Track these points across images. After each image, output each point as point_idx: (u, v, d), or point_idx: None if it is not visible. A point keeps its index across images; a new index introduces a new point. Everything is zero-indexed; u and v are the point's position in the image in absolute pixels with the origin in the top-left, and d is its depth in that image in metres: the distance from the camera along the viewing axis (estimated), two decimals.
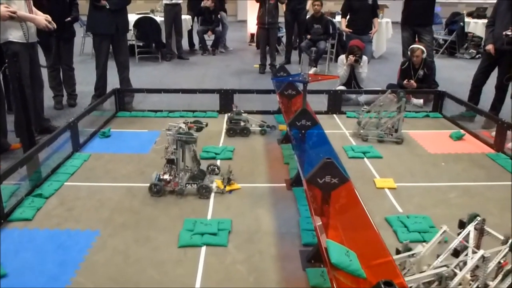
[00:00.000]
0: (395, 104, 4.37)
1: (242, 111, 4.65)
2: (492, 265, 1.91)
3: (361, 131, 4.50)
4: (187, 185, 3.27)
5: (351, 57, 5.87)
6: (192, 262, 2.52)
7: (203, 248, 2.64)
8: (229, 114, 4.66)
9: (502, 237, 1.98)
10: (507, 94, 5.05)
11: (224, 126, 4.77)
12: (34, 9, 4.16)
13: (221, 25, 10.04)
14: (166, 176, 3.25)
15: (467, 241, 2.02)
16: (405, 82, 5.82)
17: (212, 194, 3.27)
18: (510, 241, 1.93)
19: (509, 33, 4.55)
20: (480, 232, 2.06)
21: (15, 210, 2.99)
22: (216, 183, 3.39)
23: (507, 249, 1.91)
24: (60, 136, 3.81)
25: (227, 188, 3.36)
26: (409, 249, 2.15)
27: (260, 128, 4.64)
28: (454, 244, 2.03)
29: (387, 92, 4.48)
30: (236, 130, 4.52)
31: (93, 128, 4.60)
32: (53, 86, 5.53)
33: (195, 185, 3.26)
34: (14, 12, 3.79)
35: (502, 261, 1.93)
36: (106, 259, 2.53)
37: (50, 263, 2.48)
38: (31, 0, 4.12)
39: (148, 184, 3.27)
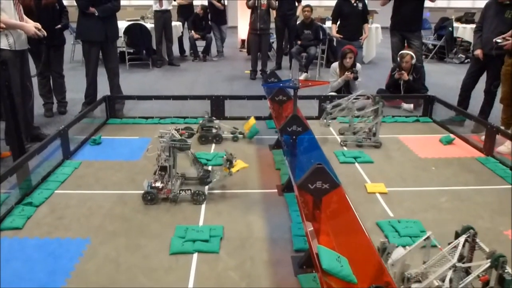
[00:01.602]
0: (371, 108, 4.38)
1: (214, 118, 4.64)
2: (470, 277, 1.89)
3: (325, 119, 4.48)
4: (180, 191, 3.26)
5: (349, 75, 5.89)
6: (183, 269, 2.51)
7: (195, 255, 2.63)
8: (200, 121, 4.61)
9: (487, 251, 1.95)
10: (495, 98, 5.11)
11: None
12: (24, 17, 4.14)
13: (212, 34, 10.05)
14: (158, 184, 3.24)
15: (460, 252, 2.01)
16: (396, 74, 5.87)
17: (204, 202, 3.27)
18: (493, 256, 1.88)
19: (499, 40, 4.57)
20: (471, 245, 2.05)
21: (5, 219, 2.97)
22: (221, 171, 3.37)
23: (488, 264, 1.88)
24: (50, 144, 3.79)
25: (233, 170, 3.34)
26: (384, 249, 2.14)
27: (232, 135, 4.63)
28: (440, 254, 2.02)
29: (352, 96, 4.51)
30: (208, 137, 4.48)
31: (83, 135, 4.57)
32: (43, 93, 5.50)
33: (189, 191, 3.25)
34: (2, 27, 3.78)
35: (481, 275, 1.90)
36: (97, 267, 2.52)
37: (40, 272, 2.46)
38: (21, 8, 4.11)
39: (140, 192, 3.26)
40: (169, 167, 3.24)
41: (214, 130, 4.53)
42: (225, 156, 3.38)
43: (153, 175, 3.33)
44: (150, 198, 3.22)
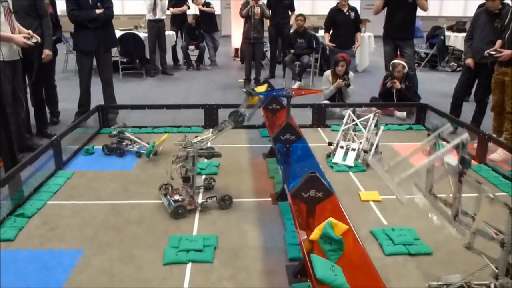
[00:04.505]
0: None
1: (126, 132, 4.53)
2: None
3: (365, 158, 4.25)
4: (207, 199, 3.26)
5: (341, 82, 5.92)
6: (177, 279, 2.50)
7: (189, 265, 2.62)
8: (111, 132, 4.47)
9: None
10: (487, 106, 5.14)
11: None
12: (18, 25, 4.12)
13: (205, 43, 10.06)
14: (177, 197, 3.24)
15: None
16: (389, 82, 5.89)
17: (198, 211, 3.26)
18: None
19: (492, 52, 4.57)
20: None
21: None
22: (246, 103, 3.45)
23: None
24: (42, 154, 3.77)
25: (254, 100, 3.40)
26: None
27: (136, 150, 4.43)
28: None
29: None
30: (112, 148, 4.38)
31: (76, 145, 4.56)
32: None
33: (215, 198, 3.26)
34: None
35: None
36: (90, 278, 2.50)
37: (33, 284, 2.44)
38: (13, 17, 4.08)
39: (133, 202, 3.24)
40: (192, 177, 3.23)
41: (124, 143, 4.42)
42: (245, 91, 3.48)
43: (179, 189, 3.32)
44: (181, 212, 3.17)
